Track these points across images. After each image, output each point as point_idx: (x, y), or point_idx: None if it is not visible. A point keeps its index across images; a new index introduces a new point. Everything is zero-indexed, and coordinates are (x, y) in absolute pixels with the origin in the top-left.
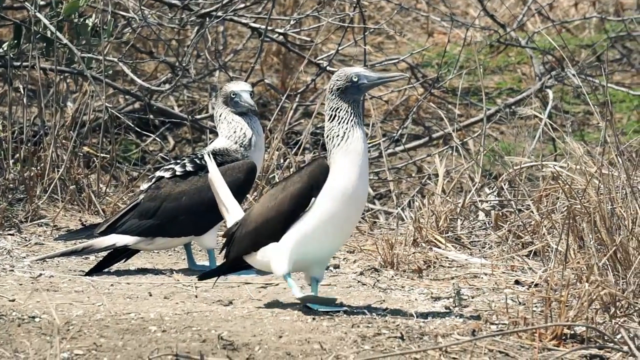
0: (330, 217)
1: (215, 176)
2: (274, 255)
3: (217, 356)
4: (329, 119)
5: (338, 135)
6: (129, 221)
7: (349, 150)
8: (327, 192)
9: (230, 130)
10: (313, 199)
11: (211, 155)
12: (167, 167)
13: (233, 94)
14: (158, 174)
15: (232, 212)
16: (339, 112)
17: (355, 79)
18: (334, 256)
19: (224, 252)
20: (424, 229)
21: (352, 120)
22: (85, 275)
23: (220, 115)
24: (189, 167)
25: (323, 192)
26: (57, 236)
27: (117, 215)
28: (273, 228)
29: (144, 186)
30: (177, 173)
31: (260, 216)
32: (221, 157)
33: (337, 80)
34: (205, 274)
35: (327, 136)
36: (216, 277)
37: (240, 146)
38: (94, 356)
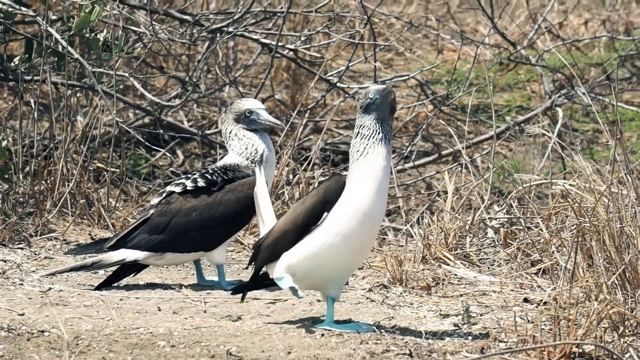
0: (341, 232)
1: (261, 188)
2: (281, 264)
3: None
4: (355, 135)
5: (358, 151)
6: (138, 236)
7: (367, 165)
8: (340, 207)
9: (242, 147)
10: (325, 213)
11: (261, 169)
12: (177, 181)
13: (249, 112)
14: (169, 188)
15: (267, 224)
16: (362, 130)
17: (372, 96)
18: None
19: (252, 263)
20: (433, 245)
21: (374, 137)
22: (94, 289)
23: (230, 132)
24: (201, 183)
25: (336, 208)
26: (66, 250)
27: (126, 230)
28: (287, 239)
29: (154, 201)
30: (188, 188)
31: (279, 229)
32: (232, 173)
33: (360, 98)
34: (237, 288)
35: (350, 152)
36: (244, 292)
37: (252, 162)
38: None
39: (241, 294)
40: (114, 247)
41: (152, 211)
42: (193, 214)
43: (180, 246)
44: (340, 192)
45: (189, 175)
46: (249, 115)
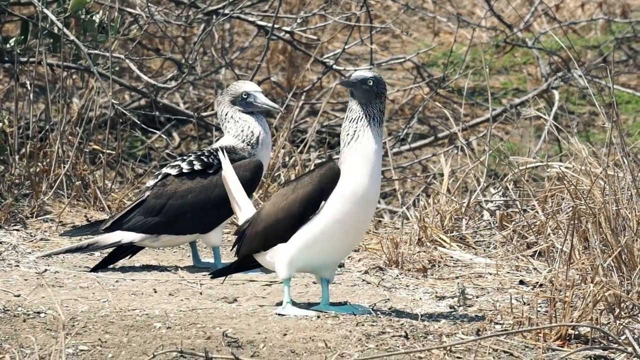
0: (339, 219)
1: (228, 173)
2: (280, 257)
3: (222, 353)
4: (345, 119)
5: (349, 134)
6: (134, 218)
7: (359, 149)
8: (337, 193)
9: (238, 129)
10: (323, 202)
11: (225, 152)
12: (173, 164)
13: (245, 94)
14: (164, 171)
15: (244, 209)
16: (350, 113)
17: (361, 79)
18: None
19: (234, 249)
20: (429, 228)
21: (362, 120)
22: (90, 271)
23: (226, 114)
24: (196, 165)
25: (334, 195)
26: (62, 232)
27: (122, 212)
28: (282, 229)
29: (150, 183)
30: (184, 170)
31: (270, 216)
32: (228, 155)
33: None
34: (217, 272)
35: (341, 136)
36: (226, 275)
37: (248, 144)
38: (99, 352)
39: (221, 276)
40: (110, 229)
41: (147, 193)
42: (189, 196)
43: (176, 228)
44: (336, 179)
45: (185, 158)
46: (245, 97)
